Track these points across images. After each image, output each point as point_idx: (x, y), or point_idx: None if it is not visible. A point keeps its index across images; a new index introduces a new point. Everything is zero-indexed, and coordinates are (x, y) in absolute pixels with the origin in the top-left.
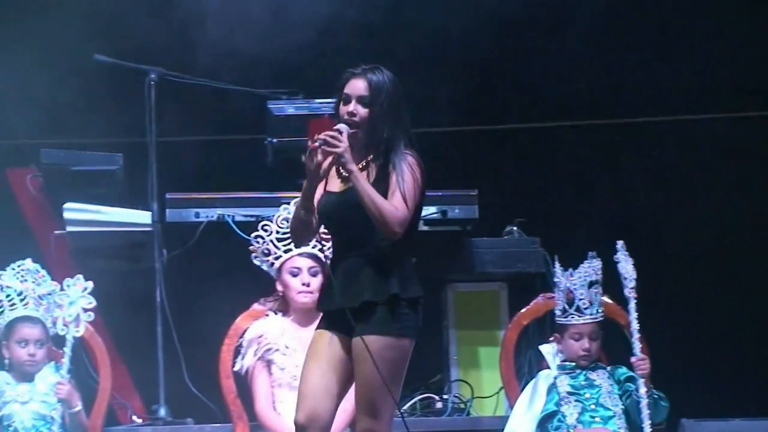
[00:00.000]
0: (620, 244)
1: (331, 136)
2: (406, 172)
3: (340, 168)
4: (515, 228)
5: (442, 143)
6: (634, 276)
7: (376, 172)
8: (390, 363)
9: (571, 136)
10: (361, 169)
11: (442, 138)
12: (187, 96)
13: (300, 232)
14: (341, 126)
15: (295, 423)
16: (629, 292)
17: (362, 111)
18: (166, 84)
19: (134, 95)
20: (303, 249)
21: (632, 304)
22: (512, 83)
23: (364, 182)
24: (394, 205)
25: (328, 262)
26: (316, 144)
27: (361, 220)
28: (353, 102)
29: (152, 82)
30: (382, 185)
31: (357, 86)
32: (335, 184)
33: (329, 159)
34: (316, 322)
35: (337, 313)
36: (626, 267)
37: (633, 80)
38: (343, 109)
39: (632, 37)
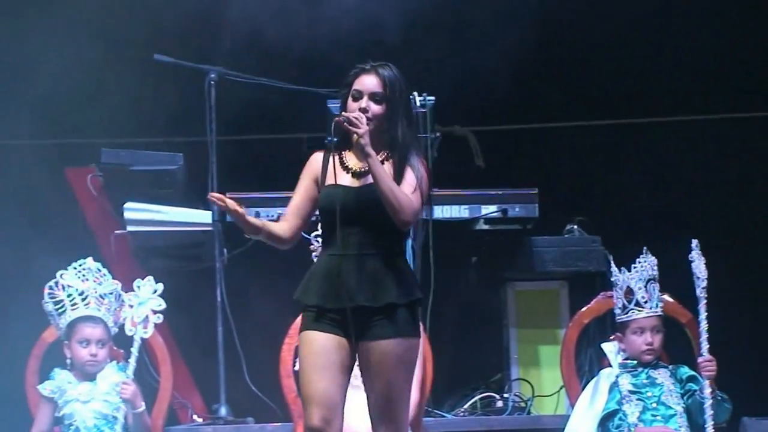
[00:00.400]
0: (695, 243)
1: (356, 117)
2: (422, 170)
3: (341, 158)
4: (576, 226)
5: (501, 141)
6: (706, 275)
7: (392, 168)
8: (410, 364)
9: (633, 133)
10: None
11: (502, 136)
12: (247, 95)
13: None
14: (359, 114)
15: (311, 426)
16: (701, 292)
17: (375, 108)
18: (226, 83)
19: (194, 94)
20: None
21: (702, 304)
22: (571, 81)
23: (381, 168)
24: (409, 196)
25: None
26: (341, 119)
27: (379, 216)
28: (365, 98)
29: (212, 82)
30: (397, 181)
31: (369, 82)
32: (344, 178)
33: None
34: None
35: (340, 312)
36: (699, 266)
37: (696, 77)
38: (354, 105)
39: (700, 34)
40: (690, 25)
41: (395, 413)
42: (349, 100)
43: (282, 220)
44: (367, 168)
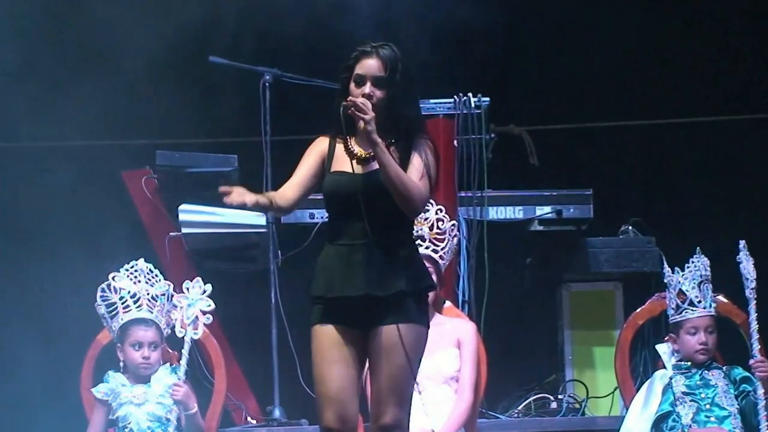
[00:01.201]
0: (742, 243)
1: (362, 102)
2: (429, 154)
3: (347, 144)
4: (630, 227)
5: (556, 142)
6: (755, 276)
7: (398, 154)
8: (418, 351)
9: (689, 132)
10: None
11: (557, 136)
12: (302, 96)
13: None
14: (365, 99)
15: (326, 427)
16: (750, 293)
17: (379, 93)
18: (280, 84)
19: (249, 95)
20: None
21: (752, 305)
22: (627, 80)
23: (388, 155)
24: (417, 183)
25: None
26: (348, 105)
27: (386, 204)
28: (368, 84)
29: (267, 83)
30: (404, 167)
31: (371, 66)
32: (349, 165)
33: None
34: (435, 320)
35: (348, 301)
36: (748, 267)
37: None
38: (357, 91)
39: (755, 32)
40: (743, 23)
41: (403, 399)
42: (352, 84)
43: (285, 188)
44: (372, 154)
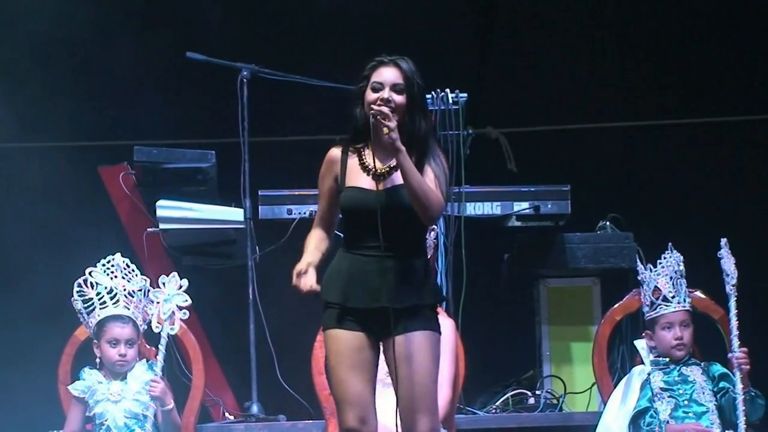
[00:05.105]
0: (724, 241)
1: (387, 111)
2: (444, 166)
3: (360, 157)
4: (608, 223)
5: (535, 140)
6: (736, 273)
7: (414, 164)
8: (438, 357)
9: (665, 132)
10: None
11: (535, 134)
12: (280, 93)
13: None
14: (388, 109)
15: (348, 428)
16: (730, 289)
17: (398, 98)
18: (259, 81)
19: (227, 93)
20: None
21: (732, 301)
22: (603, 81)
23: (411, 163)
24: (435, 192)
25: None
26: (374, 113)
27: (401, 220)
28: (387, 89)
29: (245, 80)
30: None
31: (389, 74)
32: (365, 180)
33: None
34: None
35: (366, 311)
36: (728, 264)
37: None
38: (373, 96)
39: (731, 36)
40: (728, 26)
41: (433, 405)
42: (368, 91)
43: (316, 227)
44: (388, 169)
